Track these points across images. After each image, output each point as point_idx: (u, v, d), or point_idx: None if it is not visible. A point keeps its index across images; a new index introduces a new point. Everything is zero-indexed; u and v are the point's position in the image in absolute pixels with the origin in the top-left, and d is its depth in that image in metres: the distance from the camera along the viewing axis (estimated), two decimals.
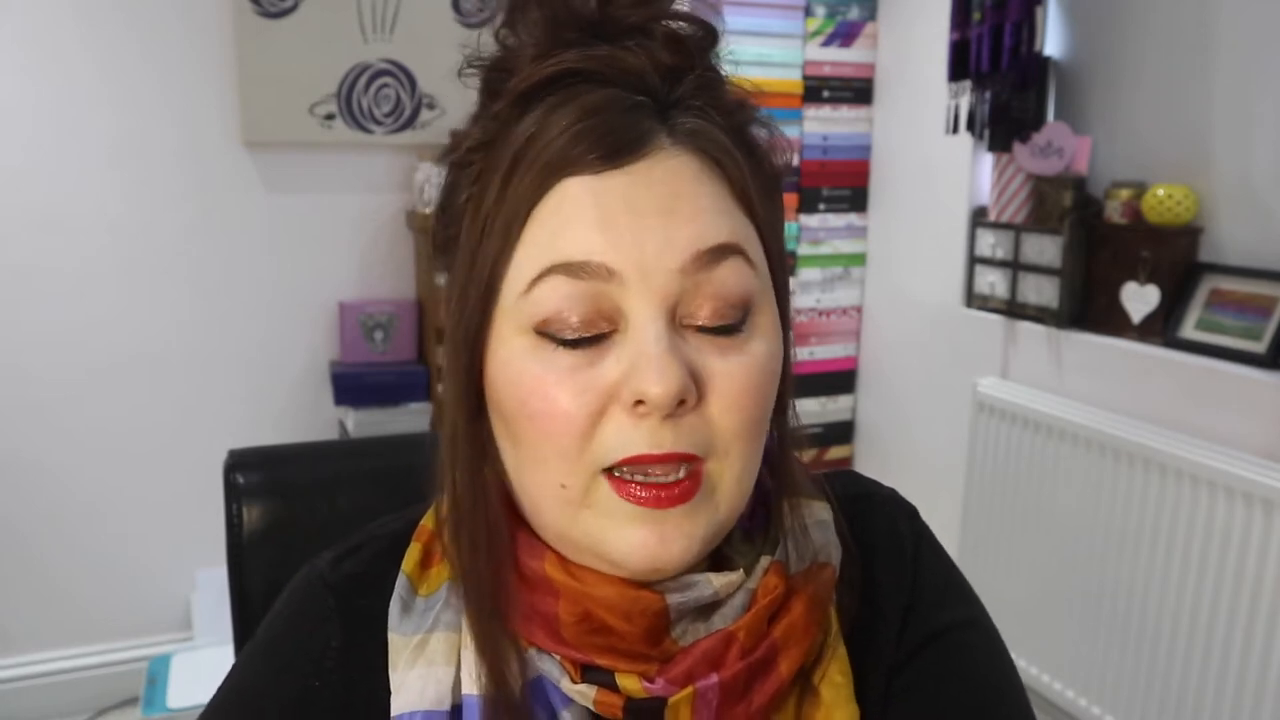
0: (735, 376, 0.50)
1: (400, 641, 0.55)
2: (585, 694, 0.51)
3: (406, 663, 0.54)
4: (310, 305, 2.25)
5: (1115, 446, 1.83)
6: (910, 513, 0.65)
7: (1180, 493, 1.71)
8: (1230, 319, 1.77)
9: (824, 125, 2.59)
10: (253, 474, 0.84)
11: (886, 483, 0.67)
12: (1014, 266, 2.14)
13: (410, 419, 2.19)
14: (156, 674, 2.07)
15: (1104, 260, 1.99)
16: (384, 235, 2.28)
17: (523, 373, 0.50)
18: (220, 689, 0.58)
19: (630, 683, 0.51)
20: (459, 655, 0.54)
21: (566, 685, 0.52)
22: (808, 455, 0.62)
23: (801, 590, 0.55)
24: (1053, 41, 2.10)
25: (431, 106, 2.23)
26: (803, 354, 2.66)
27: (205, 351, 2.18)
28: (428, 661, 0.54)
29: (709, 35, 0.53)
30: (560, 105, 0.50)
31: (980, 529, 2.18)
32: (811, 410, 2.70)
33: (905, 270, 2.55)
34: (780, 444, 0.57)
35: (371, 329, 2.26)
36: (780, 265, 0.55)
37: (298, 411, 2.27)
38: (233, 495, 0.82)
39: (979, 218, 2.27)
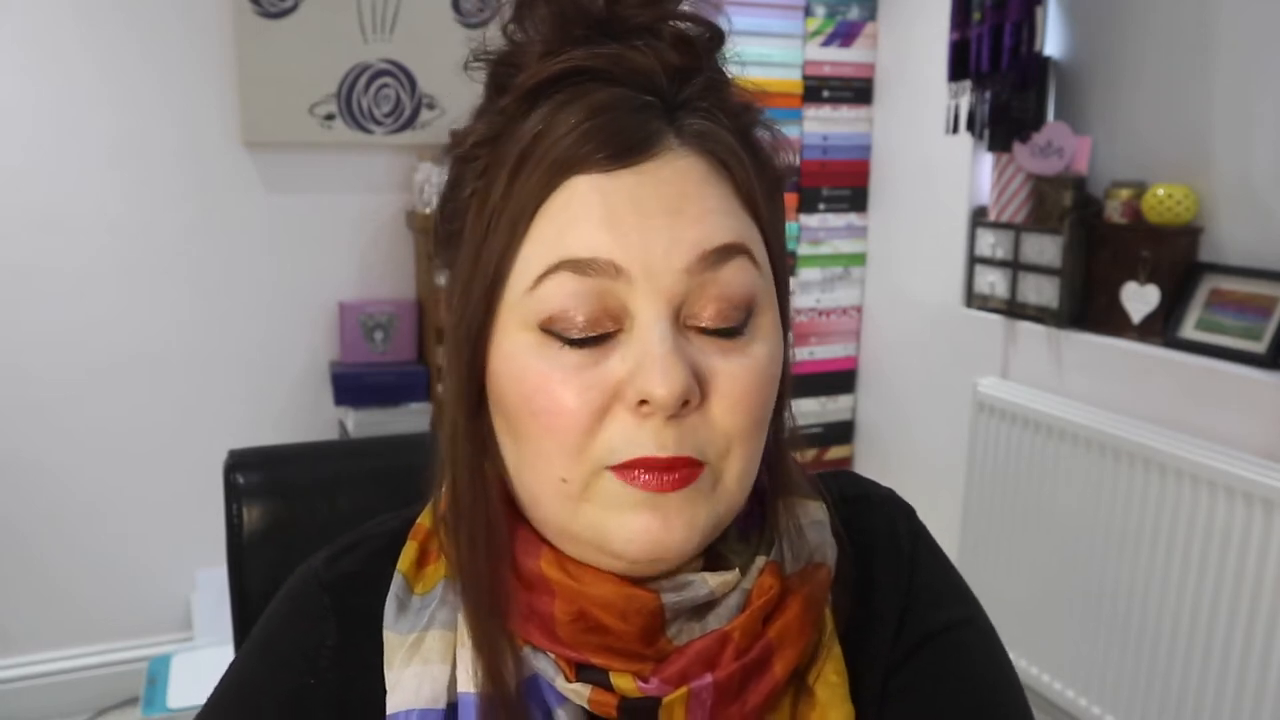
0: (738, 377, 0.50)
1: (396, 640, 0.55)
2: (580, 693, 0.52)
3: (402, 661, 0.54)
4: (310, 305, 2.25)
5: (1115, 446, 1.83)
6: (908, 513, 0.65)
7: (1180, 493, 1.71)
8: (1230, 319, 1.77)
9: (824, 125, 2.59)
10: (253, 474, 0.84)
11: (886, 483, 0.67)
12: (1014, 266, 2.14)
13: (410, 419, 2.19)
14: (156, 674, 2.07)
15: (1104, 260, 1.99)
16: (384, 235, 2.29)
17: (527, 369, 0.50)
18: (217, 687, 0.59)
19: (625, 682, 0.51)
20: (454, 653, 0.54)
21: (561, 684, 0.52)
22: (808, 455, 0.62)
23: (797, 590, 0.55)
24: (1053, 41, 2.10)
25: (431, 107, 2.23)
26: (803, 354, 2.66)
27: (205, 351, 2.18)
28: (423, 660, 0.54)
29: (716, 36, 0.53)
30: (568, 103, 0.50)
31: (980, 529, 2.18)
32: (811, 410, 2.69)
33: (905, 270, 2.54)
34: (777, 444, 0.57)
35: (371, 329, 2.26)
36: (782, 266, 0.55)
37: (298, 412, 2.27)
38: (233, 495, 0.83)
39: (979, 218, 2.27)
